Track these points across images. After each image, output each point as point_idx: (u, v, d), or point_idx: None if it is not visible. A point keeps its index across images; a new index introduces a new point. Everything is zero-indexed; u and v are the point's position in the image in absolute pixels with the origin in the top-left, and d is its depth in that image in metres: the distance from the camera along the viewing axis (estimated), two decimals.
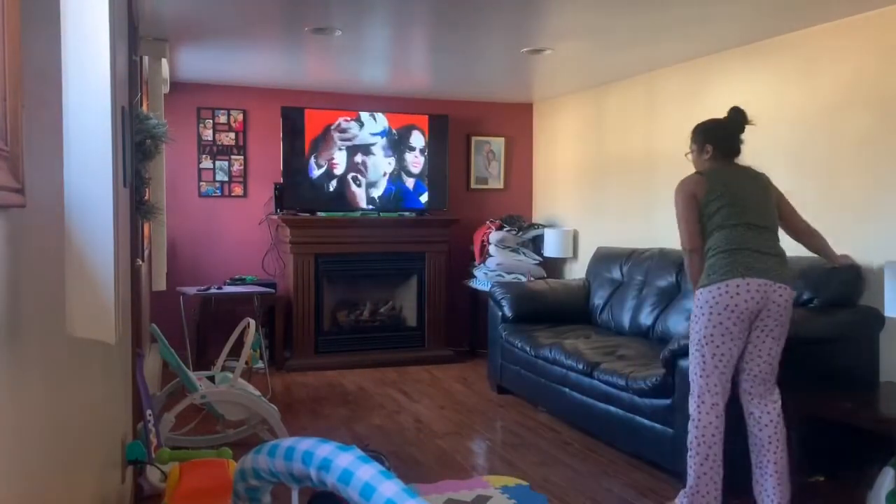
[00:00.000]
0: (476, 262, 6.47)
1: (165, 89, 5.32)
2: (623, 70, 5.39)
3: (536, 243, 6.48)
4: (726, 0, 3.65)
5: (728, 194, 3.06)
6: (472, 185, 6.93)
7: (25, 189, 1.02)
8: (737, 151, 3.22)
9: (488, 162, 6.97)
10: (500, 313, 5.23)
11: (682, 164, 5.15)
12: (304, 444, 1.24)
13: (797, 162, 4.20)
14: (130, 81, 3.14)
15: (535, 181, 7.10)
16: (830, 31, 4.00)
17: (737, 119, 3.22)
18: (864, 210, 3.82)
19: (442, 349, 6.37)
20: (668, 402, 3.52)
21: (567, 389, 4.31)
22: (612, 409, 3.92)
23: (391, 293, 6.62)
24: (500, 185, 7.02)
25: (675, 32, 4.27)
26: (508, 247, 6.29)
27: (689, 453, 3.04)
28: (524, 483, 3.52)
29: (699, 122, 3.33)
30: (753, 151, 4.48)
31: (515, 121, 7.03)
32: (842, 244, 3.93)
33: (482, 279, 6.21)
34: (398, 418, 4.63)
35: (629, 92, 5.65)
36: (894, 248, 3.65)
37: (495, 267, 6.19)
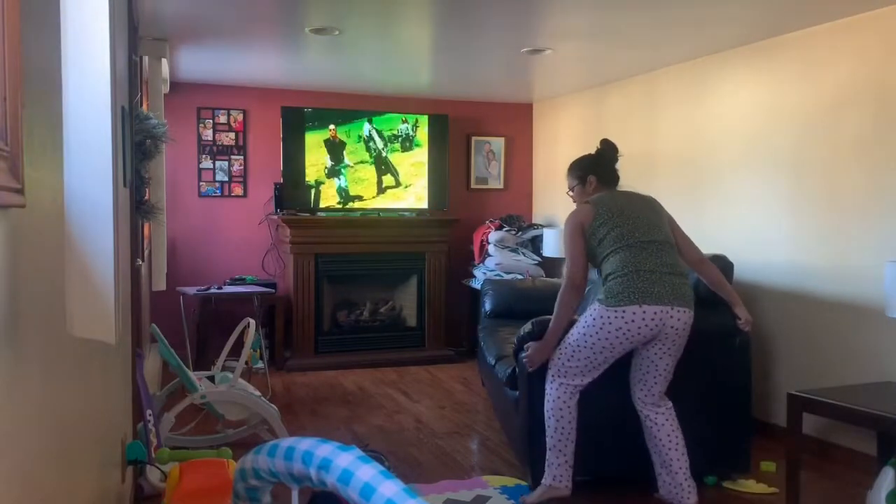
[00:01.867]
0: (475, 262, 6.47)
1: (165, 89, 5.32)
2: (623, 70, 5.39)
3: (536, 243, 6.49)
4: (726, 0, 3.64)
5: (617, 215, 3.08)
6: (472, 185, 6.93)
7: (25, 189, 1.02)
8: (617, 178, 3.32)
9: (488, 162, 6.97)
10: (483, 310, 5.23)
11: (681, 164, 5.18)
12: (304, 444, 1.24)
13: (797, 162, 4.20)
14: (130, 81, 3.14)
15: (534, 181, 7.10)
16: (830, 31, 4.00)
17: (610, 150, 3.34)
18: (863, 210, 3.82)
19: (442, 349, 6.37)
20: (516, 393, 3.55)
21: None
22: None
23: (391, 293, 6.62)
24: (500, 185, 7.02)
25: (676, 32, 4.27)
26: (507, 247, 6.29)
27: (546, 432, 3.18)
28: (524, 483, 3.52)
29: (576, 159, 3.42)
30: (754, 152, 4.50)
31: (515, 121, 7.03)
32: (842, 244, 3.94)
33: (481, 279, 6.21)
34: (398, 418, 4.63)
35: (629, 92, 5.65)
36: (894, 248, 3.65)
37: (494, 267, 6.20)
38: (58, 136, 1.38)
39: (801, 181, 4.18)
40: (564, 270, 3.16)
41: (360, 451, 1.20)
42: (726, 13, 3.87)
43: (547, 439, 3.19)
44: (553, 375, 3.17)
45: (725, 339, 3.49)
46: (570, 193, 3.39)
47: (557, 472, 3.18)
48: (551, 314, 3.19)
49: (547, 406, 3.19)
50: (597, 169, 3.30)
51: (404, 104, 6.52)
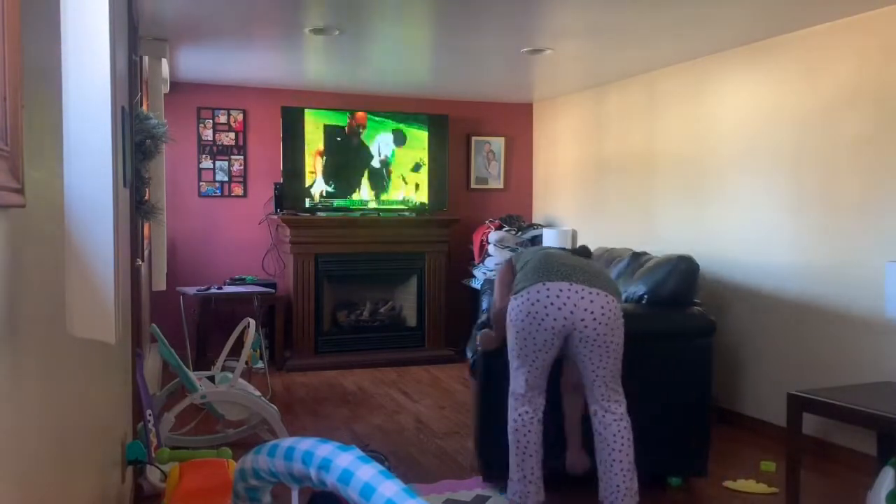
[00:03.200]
0: (475, 262, 6.47)
1: (165, 89, 5.32)
2: (623, 70, 5.39)
3: (535, 243, 6.48)
4: (726, 0, 3.64)
5: (537, 248, 3.22)
6: (472, 185, 6.93)
7: (25, 189, 1.02)
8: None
9: (488, 162, 6.97)
10: (482, 309, 5.22)
11: (681, 164, 5.18)
12: (304, 444, 1.24)
13: (797, 162, 4.20)
14: (130, 81, 3.14)
15: (534, 181, 7.10)
16: (830, 31, 4.00)
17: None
18: (863, 210, 3.82)
19: (442, 349, 6.37)
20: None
21: None
22: None
23: (391, 293, 6.62)
24: (500, 185, 7.02)
25: (676, 32, 4.27)
26: (507, 246, 6.29)
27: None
28: None
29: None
30: (754, 152, 4.50)
31: (515, 121, 7.03)
32: (841, 244, 3.94)
33: (481, 279, 6.20)
34: (398, 418, 4.63)
35: (629, 92, 5.65)
36: (894, 248, 3.65)
37: (494, 266, 6.19)
38: (58, 136, 1.38)
39: (801, 181, 4.18)
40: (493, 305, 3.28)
41: (360, 451, 1.20)
42: (726, 13, 3.87)
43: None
44: (510, 393, 3.11)
45: (685, 341, 3.47)
46: None
47: (517, 487, 3.07)
48: None
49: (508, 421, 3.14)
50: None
51: (404, 104, 6.52)
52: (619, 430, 2.97)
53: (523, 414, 3.04)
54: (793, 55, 4.23)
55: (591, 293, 2.91)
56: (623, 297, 3.91)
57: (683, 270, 3.55)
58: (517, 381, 3.06)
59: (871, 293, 3.74)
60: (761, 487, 3.49)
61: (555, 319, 2.90)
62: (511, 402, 3.09)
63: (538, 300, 2.91)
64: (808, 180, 4.13)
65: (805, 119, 4.15)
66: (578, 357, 2.99)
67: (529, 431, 3.03)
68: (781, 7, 3.76)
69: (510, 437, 3.08)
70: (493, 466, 3.36)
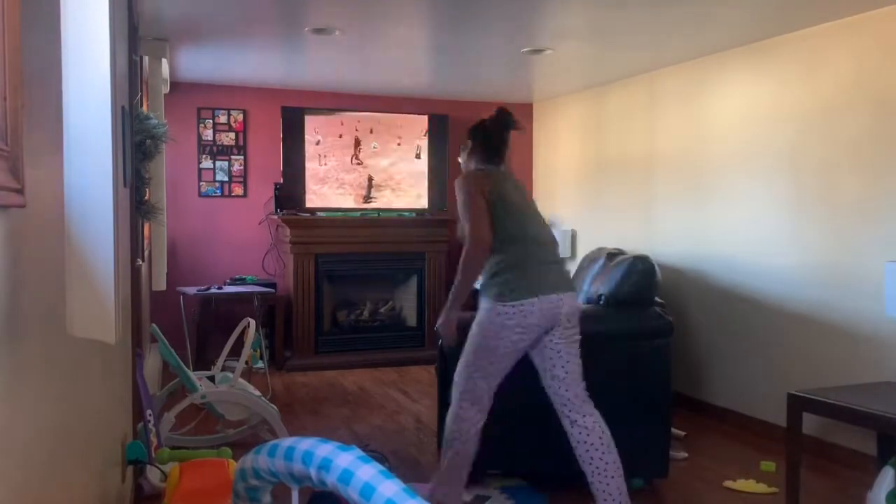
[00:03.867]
0: None
1: (165, 89, 5.32)
2: (623, 70, 5.39)
3: None
4: (726, 0, 3.64)
5: (510, 204, 2.97)
6: None
7: (25, 189, 1.02)
8: (502, 154, 3.25)
9: None
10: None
11: (681, 164, 5.18)
12: (304, 444, 1.24)
13: (797, 162, 4.20)
14: (130, 81, 3.14)
15: (534, 181, 7.09)
16: (830, 31, 4.00)
17: (504, 119, 3.27)
18: (863, 210, 3.82)
19: None
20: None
21: None
22: None
23: (391, 293, 6.62)
24: None
25: (675, 32, 4.27)
26: None
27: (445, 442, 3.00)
28: (524, 482, 3.52)
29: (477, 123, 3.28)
30: (754, 152, 4.50)
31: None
32: (841, 244, 3.94)
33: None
34: (398, 418, 4.63)
35: (629, 92, 5.65)
36: (894, 248, 3.65)
37: None
38: (58, 136, 1.38)
39: (801, 181, 4.18)
40: (466, 231, 2.93)
41: (360, 451, 1.20)
42: (726, 13, 3.87)
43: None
44: (459, 391, 2.97)
45: (643, 342, 3.45)
46: (460, 159, 3.29)
47: (446, 489, 3.00)
48: None
49: (447, 421, 3.02)
50: (484, 137, 3.24)
51: (404, 104, 6.52)
52: (603, 433, 2.90)
53: (461, 424, 2.93)
54: (793, 55, 4.23)
55: (567, 296, 2.91)
56: (584, 298, 3.90)
57: (640, 270, 3.52)
58: (478, 385, 2.92)
59: (871, 293, 3.74)
60: (761, 487, 3.49)
61: (540, 326, 2.86)
62: (455, 404, 2.97)
63: (532, 312, 2.83)
64: (808, 180, 4.13)
65: (805, 119, 4.15)
66: (552, 350, 2.91)
67: (475, 438, 2.95)
68: (781, 7, 3.76)
69: (456, 442, 2.95)
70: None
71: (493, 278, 2.92)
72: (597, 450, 2.87)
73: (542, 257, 2.95)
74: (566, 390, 2.92)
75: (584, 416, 2.91)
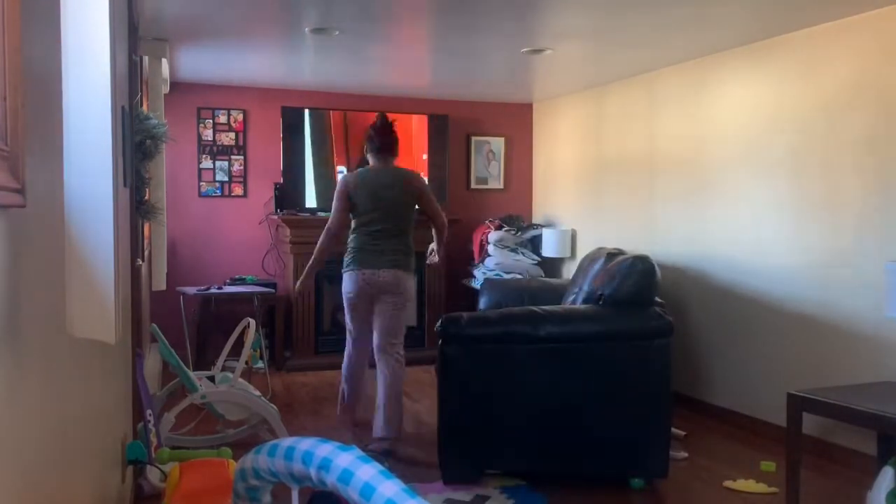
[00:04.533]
0: (475, 262, 6.47)
1: (165, 89, 5.32)
2: (623, 70, 5.39)
3: (535, 243, 6.49)
4: (726, 0, 3.64)
5: (369, 197, 4.03)
6: (472, 185, 6.93)
7: (25, 189, 1.02)
8: (387, 150, 4.12)
9: (488, 162, 6.97)
10: (479, 309, 5.22)
11: (681, 164, 5.18)
12: (304, 444, 1.24)
13: (797, 162, 4.20)
14: (130, 81, 3.14)
15: (534, 181, 7.10)
16: (830, 31, 4.00)
17: (384, 123, 4.14)
18: (864, 211, 3.82)
19: None
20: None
21: None
22: None
23: None
24: (500, 185, 7.02)
25: (675, 32, 4.27)
26: (507, 246, 6.29)
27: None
28: (523, 483, 3.52)
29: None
30: (754, 152, 4.50)
31: (515, 121, 7.03)
32: (841, 244, 3.94)
33: (481, 279, 6.20)
34: None
35: (629, 92, 5.65)
36: (894, 248, 3.65)
37: (494, 266, 6.19)
38: (58, 136, 1.38)
39: (801, 181, 4.18)
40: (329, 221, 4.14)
41: (360, 451, 1.20)
42: (726, 13, 3.87)
43: None
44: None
45: (643, 342, 3.44)
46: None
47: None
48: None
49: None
50: (369, 138, 4.15)
51: (404, 104, 6.52)
52: (393, 380, 4.03)
53: (347, 360, 4.39)
54: (793, 55, 4.23)
55: (384, 272, 4.03)
56: (584, 297, 4.05)
57: (640, 270, 3.51)
58: (350, 332, 4.28)
59: (871, 293, 3.74)
60: (761, 487, 3.49)
61: (363, 291, 4.08)
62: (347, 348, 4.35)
63: (356, 279, 4.07)
64: (808, 180, 4.13)
65: (805, 119, 4.15)
66: (378, 313, 4.09)
67: (353, 381, 4.40)
68: (781, 7, 3.76)
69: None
70: (451, 467, 3.38)
71: (344, 256, 4.16)
72: (381, 388, 4.02)
73: (373, 248, 4.04)
74: (377, 342, 4.08)
75: (382, 361, 4.06)
